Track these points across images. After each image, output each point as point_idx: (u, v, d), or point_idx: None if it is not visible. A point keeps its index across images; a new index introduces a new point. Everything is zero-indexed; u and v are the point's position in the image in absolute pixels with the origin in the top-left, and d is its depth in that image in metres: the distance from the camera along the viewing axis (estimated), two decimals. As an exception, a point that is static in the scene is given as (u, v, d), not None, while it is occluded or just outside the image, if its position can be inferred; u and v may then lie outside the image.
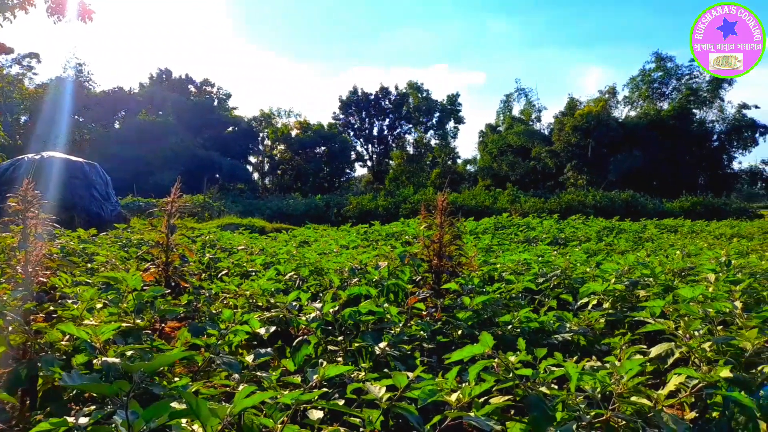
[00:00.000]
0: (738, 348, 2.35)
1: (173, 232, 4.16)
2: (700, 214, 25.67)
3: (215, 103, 66.62)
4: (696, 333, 2.41)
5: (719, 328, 2.58)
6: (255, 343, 3.46)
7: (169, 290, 4.11)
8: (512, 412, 2.34)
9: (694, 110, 52.95)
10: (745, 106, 51.75)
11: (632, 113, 56.06)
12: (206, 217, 24.03)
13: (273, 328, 3.01)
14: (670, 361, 2.34)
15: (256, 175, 66.25)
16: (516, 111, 63.99)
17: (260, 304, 4.04)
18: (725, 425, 2.05)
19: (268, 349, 2.62)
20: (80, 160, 14.68)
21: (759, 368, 2.17)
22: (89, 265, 5.34)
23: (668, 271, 4.59)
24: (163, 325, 4.08)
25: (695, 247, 7.72)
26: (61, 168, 13.65)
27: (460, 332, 3.34)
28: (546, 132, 59.27)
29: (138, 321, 3.03)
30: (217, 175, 53.73)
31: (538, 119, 62.14)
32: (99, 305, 3.17)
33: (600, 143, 49.64)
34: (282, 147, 65.07)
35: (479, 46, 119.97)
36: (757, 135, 51.42)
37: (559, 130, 53.72)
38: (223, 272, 5.72)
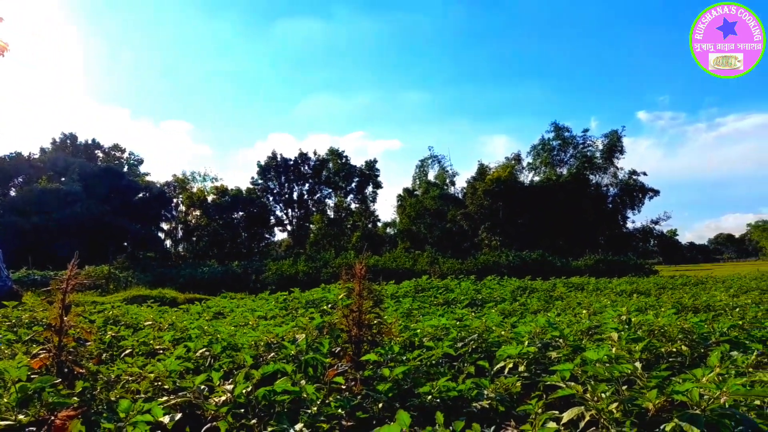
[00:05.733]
0: (642, 407, 2.46)
1: (68, 312, 3.80)
2: (603, 271, 27.53)
3: (125, 169, 63.98)
4: (603, 395, 2.50)
5: (624, 387, 2.70)
6: (159, 432, 3.17)
7: (62, 378, 3.71)
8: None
9: (590, 176, 58.11)
10: (634, 172, 58.13)
11: (536, 178, 60.41)
12: (111, 289, 22.39)
13: (178, 416, 2.79)
14: (582, 424, 2.40)
15: (168, 243, 63.27)
16: (431, 176, 66.74)
17: (167, 387, 3.73)
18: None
19: (173, 441, 2.41)
20: (-34, 231, 13.35)
21: (662, 427, 2.27)
22: (-32, 352, 4.74)
23: (576, 332, 4.80)
24: (53, 416, 3.64)
25: (600, 304, 8.19)
26: (-58, 240, 12.31)
27: (380, 405, 3.25)
28: (460, 196, 62.05)
29: (21, 417, 2.70)
30: (126, 243, 50.76)
31: (452, 183, 65.11)
32: (-26, 401, 2.80)
33: (509, 206, 52.65)
34: (197, 212, 63.07)
35: (393, 115, 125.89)
36: (645, 197, 57.59)
37: (471, 194, 56.47)
38: (127, 352, 5.27)
